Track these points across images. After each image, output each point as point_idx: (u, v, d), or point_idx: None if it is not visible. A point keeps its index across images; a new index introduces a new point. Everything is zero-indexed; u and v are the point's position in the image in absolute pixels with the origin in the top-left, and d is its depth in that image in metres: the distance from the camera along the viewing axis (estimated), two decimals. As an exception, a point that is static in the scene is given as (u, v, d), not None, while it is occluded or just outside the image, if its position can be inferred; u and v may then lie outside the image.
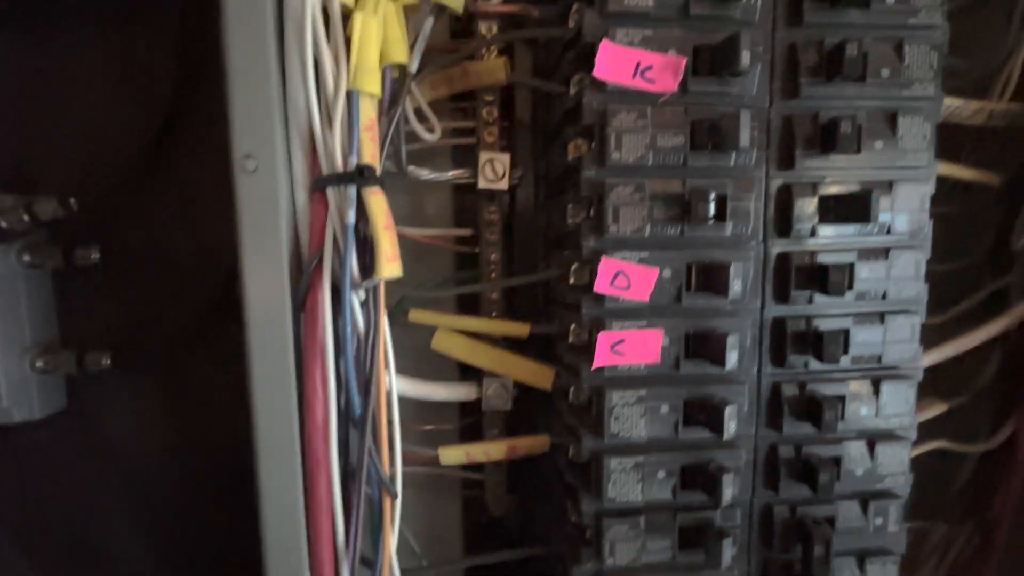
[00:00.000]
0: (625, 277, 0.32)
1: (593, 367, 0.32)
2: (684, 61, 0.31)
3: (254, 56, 0.29)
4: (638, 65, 0.31)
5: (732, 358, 0.32)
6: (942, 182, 0.36)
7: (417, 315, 0.40)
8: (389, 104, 0.36)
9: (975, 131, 0.43)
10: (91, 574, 0.48)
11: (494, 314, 0.43)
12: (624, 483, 0.34)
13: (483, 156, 0.40)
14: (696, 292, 0.33)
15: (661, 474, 0.34)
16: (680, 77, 0.31)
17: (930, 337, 0.43)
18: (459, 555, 0.48)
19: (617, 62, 0.31)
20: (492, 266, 0.43)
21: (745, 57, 0.30)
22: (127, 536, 0.48)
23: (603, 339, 0.32)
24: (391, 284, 0.43)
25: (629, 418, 0.33)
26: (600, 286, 0.32)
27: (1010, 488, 0.45)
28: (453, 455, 0.40)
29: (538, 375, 0.40)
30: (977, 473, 0.48)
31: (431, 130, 0.39)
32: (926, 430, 0.46)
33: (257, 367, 0.32)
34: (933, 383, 0.45)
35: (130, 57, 0.45)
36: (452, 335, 0.41)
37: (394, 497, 0.37)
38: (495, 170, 0.40)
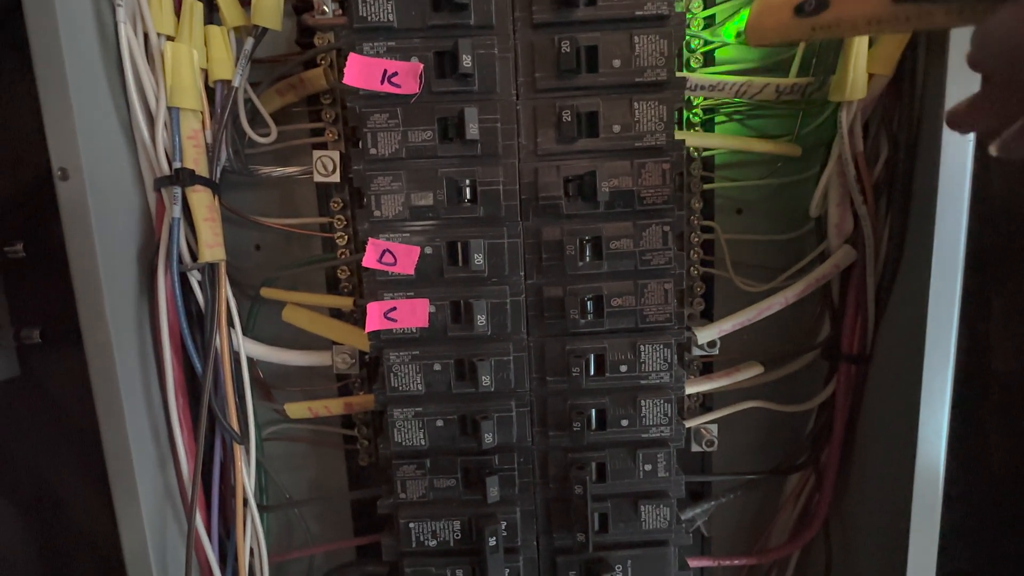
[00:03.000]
0: (391, 254, 0.38)
1: (366, 331, 0.38)
2: (421, 67, 0.36)
3: (56, 86, 0.35)
4: (385, 72, 0.36)
5: (480, 320, 0.37)
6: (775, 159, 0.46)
7: (267, 292, 0.47)
8: (222, 114, 0.43)
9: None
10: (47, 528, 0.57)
11: (347, 289, 0.50)
12: (408, 430, 0.40)
13: (315, 154, 0.46)
14: (455, 267, 0.38)
15: (440, 423, 0.40)
16: (421, 81, 0.36)
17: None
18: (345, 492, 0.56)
19: (365, 71, 0.36)
20: (341, 249, 0.49)
21: (466, 60, 0.34)
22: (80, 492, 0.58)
23: (372, 308, 0.38)
24: (262, 265, 0.51)
25: (407, 374, 0.39)
26: (368, 262, 0.38)
27: (833, 436, 0.48)
28: (298, 410, 0.47)
29: (362, 340, 0.46)
30: (816, 425, 0.51)
31: (267, 134, 0.46)
32: (749, 391, 0.49)
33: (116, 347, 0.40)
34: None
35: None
36: (297, 309, 0.47)
37: (239, 442, 0.44)
38: (325, 166, 0.46)
